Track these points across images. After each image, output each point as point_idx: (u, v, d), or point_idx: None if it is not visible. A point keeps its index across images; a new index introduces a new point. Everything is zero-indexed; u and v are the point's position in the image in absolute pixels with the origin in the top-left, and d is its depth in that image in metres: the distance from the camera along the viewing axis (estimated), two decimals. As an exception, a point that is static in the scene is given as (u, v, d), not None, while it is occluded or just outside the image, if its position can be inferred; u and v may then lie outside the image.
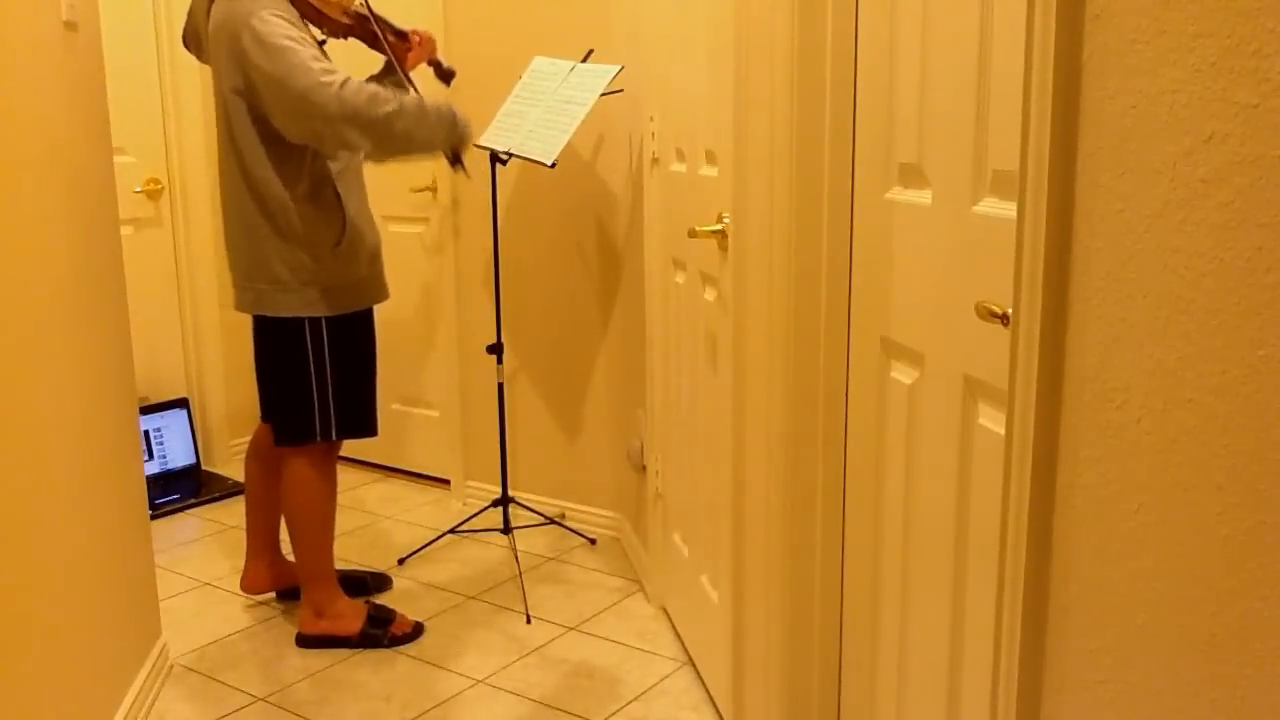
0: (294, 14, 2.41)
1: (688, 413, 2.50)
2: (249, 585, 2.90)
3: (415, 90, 2.79)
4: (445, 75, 2.91)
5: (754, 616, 2.02)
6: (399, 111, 2.37)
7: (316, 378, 2.57)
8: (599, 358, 3.33)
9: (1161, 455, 0.88)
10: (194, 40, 2.64)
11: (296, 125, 2.37)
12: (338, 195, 2.50)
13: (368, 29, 2.63)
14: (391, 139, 2.40)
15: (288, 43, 2.31)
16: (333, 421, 2.60)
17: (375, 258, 2.64)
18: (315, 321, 2.53)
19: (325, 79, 2.30)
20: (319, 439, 2.60)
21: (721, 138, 2.06)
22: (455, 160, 2.62)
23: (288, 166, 2.45)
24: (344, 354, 2.59)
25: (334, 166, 2.50)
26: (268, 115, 2.39)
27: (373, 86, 2.37)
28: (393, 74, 2.85)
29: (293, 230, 2.47)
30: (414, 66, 2.88)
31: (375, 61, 2.81)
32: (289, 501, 2.65)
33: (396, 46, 2.73)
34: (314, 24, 2.56)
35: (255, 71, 2.34)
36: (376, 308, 2.71)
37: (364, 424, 2.69)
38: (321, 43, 2.57)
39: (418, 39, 2.81)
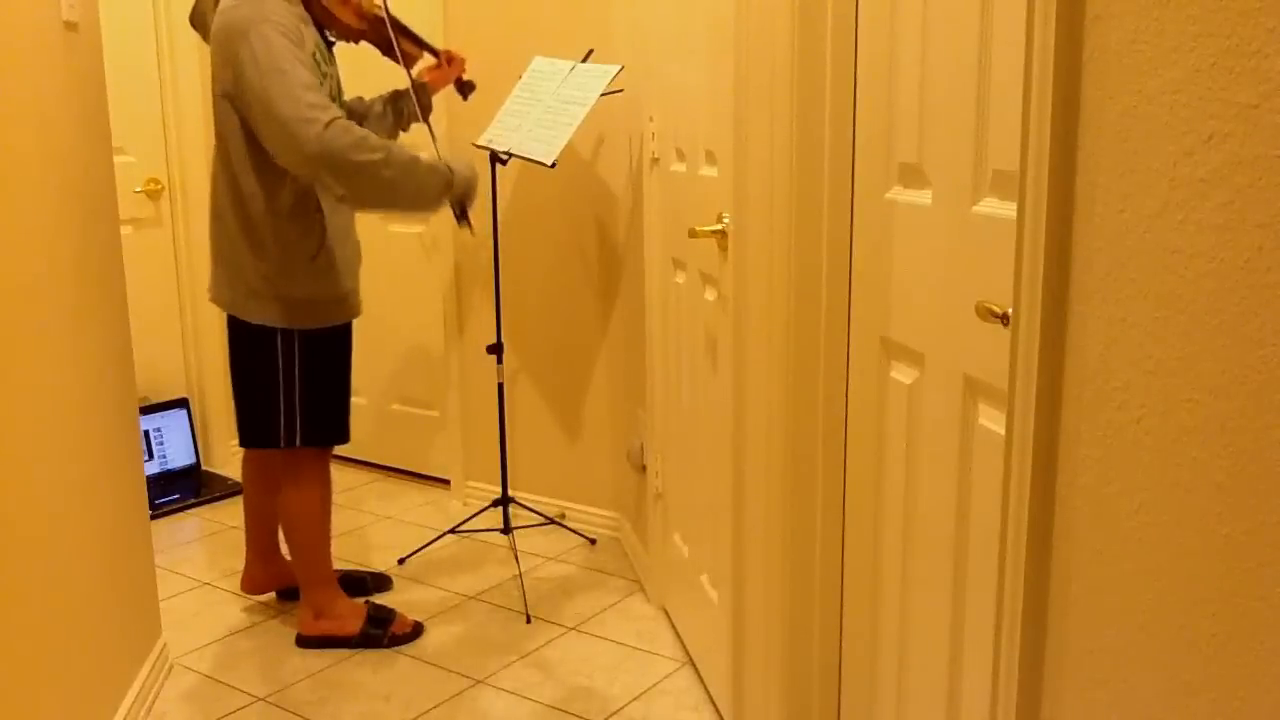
0: (298, 22, 2.35)
1: (688, 413, 2.50)
2: (249, 585, 2.90)
3: (419, 101, 2.78)
4: (464, 88, 2.89)
5: (754, 616, 2.02)
6: (384, 161, 2.29)
7: (284, 386, 2.54)
8: (599, 358, 3.33)
9: (1161, 455, 0.88)
10: (200, 23, 2.61)
11: (276, 150, 2.32)
12: (320, 209, 2.47)
13: (382, 34, 2.58)
14: (373, 188, 2.32)
15: (284, 65, 2.24)
16: (298, 430, 2.58)
17: (353, 274, 2.61)
18: (288, 332, 2.52)
19: (310, 114, 2.22)
20: (282, 445, 2.58)
21: (721, 138, 2.06)
22: (461, 215, 2.56)
23: (270, 178, 2.41)
24: (316, 365, 2.57)
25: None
26: (257, 134, 2.35)
27: (362, 131, 2.28)
28: (406, 97, 2.84)
29: (267, 243, 2.44)
30: (442, 87, 2.87)
31: (387, 70, 2.79)
32: (283, 509, 2.65)
33: (409, 55, 2.68)
34: (324, 26, 2.51)
35: (248, 88, 2.29)
36: (377, 309, 2.70)
37: (333, 434, 2.65)
38: (330, 44, 2.55)
39: (448, 59, 2.79)
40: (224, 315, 2.61)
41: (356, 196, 2.35)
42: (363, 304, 2.71)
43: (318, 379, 2.58)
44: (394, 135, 2.88)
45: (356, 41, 2.62)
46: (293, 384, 2.55)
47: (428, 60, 2.82)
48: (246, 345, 2.55)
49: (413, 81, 2.70)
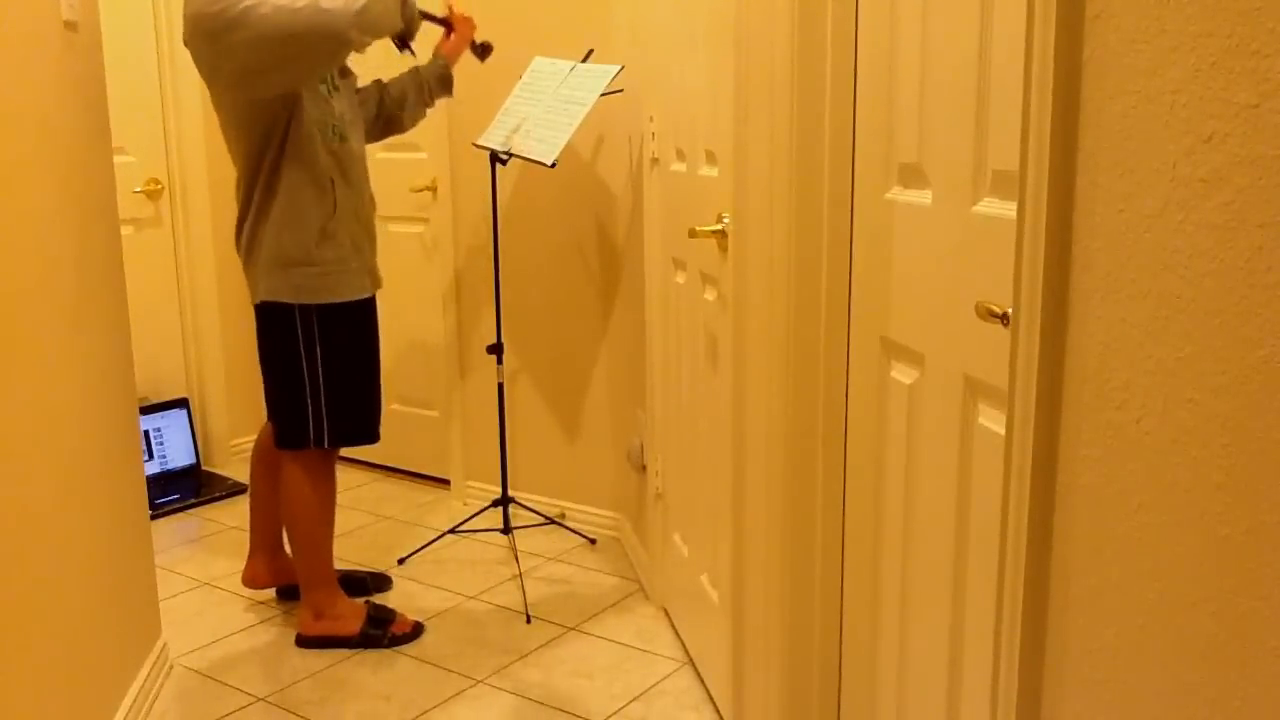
0: None
1: (688, 413, 2.50)
2: (249, 580, 2.90)
3: (423, 82, 2.75)
4: (480, 51, 2.84)
5: (754, 616, 2.02)
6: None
7: (310, 382, 2.55)
8: (599, 358, 3.33)
9: (1161, 455, 0.88)
10: None
11: (294, 67, 2.33)
12: (332, 184, 2.48)
13: None
14: (370, 19, 2.35)
15: (249, 1, 2.25)
16: (326, 428, 2.58)
17: (362, 253, 2.60)
18: (306, 314, 2.52)
19: (299, 5, 2.26)
20: (313, 445, 2.59)
21: (721, 138, 2.06)
22: (402, 45, 2.56)
23: (270, 155, 2.43)
24: (339, 354, 2.57)
25: (328, 161, 2.47)
26: (266, 86, 2.36)
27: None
28: (417, 72, 2.82)
29: (274, 218, 2.45)
30: (458, 57, 2.81)
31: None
32: (287, 507, 2.65)
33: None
34: None
35: (229, 49, 2.30)
36: (378, 309, 2.69)
37: (362, 431, 2.66)
38: None
39: (456, 18, 2.73)
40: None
41: (369, 36, 2.37)
42: (380, 282, 2.71)
43: (341, 367, 2.58)
44: (419, 113, 2.87)
45: None
46: (316, 377, 2.55)
47: (435, 31, 2.77)
48: (270, 337, 2.56)
49: (412, 52, 2.65)
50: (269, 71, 2.34)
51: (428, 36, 2.78)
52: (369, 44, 2.45)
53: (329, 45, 2.33)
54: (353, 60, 2.68)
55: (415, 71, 2.82)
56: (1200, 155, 0.82)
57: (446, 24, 2.76)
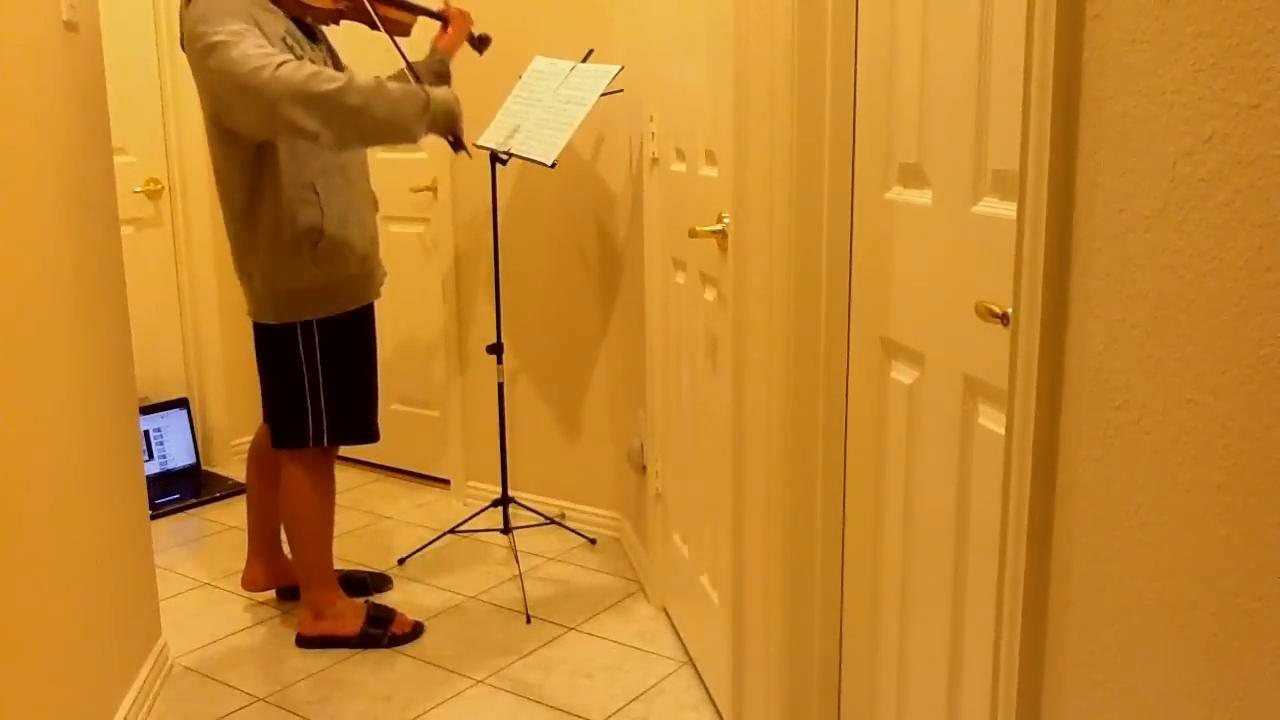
0: (250, 7, 2.32)
1: (688, 413, 2.50)
2: (249, 583, 2.90)
3: (414, 76, 2.74)
4: (478, 44, 2.84)
5: (754, 616, 2.02)
6: (346, 87, 2.25)
7: (309, 382, 2.55)
8: (599, 358, 3.33)
9: (1161, 455, 0.88)
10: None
11: (248, 117, 2.29)
12: (317, 195, 2.45)
13: (360, 8, 2.52)
14: (343, 115, 2.27)
15: (224, 36, 2.24)
16: (325, 428, 2.59)
17: (365, 257, 2.58)
18: (306, 325, 2.52)
19: (260, 63, 2.22)
20: (311, 444, 2.59)
21: (721, 138, 2.06)
22: (456, 144, 2.54)
23: (248, 172, 2.41)
24: (338, 358, 2.57)
25: (315, 166, 2.45)
26: (230, 119, 2.34)
27: (315, 67, 2.27)
28: (408, 73, 2.80)
29: (261, 242, 2.44)
30: (455, 50, 2.80)
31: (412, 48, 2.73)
32: (286, 506, 2.65)
33: (399, 24, 2.64)
34: (295, 13, 2.45)
35: (205, 73, 2.30)
36: (377, 308, 2.69)
37: (362, 431, 2.66)
38: (311, 31, 2.53)
39: (452, 11, 2.72)
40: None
41: (333, 131, 2.29)
42: (380, 287, 2.70)
43: (342, 373, 2.58)
44: None
45: (338, 22, 2.56)
46: (316, 380, 2.55)
47: (431, 26, 2.76)
48: (269, 346, 2.56)
49: (403, 54, 2.63)
50: (232, 109, 2.31)
51: (424, 30, 2.77)
52: (338, 140, 2.33)
53: (258, 108, 2.24)
54: (347, 55, 2.68)
55: (412, 67, 2.81)
56: (1200, 155, 0.82)
57: (443, 18, 2.75)
